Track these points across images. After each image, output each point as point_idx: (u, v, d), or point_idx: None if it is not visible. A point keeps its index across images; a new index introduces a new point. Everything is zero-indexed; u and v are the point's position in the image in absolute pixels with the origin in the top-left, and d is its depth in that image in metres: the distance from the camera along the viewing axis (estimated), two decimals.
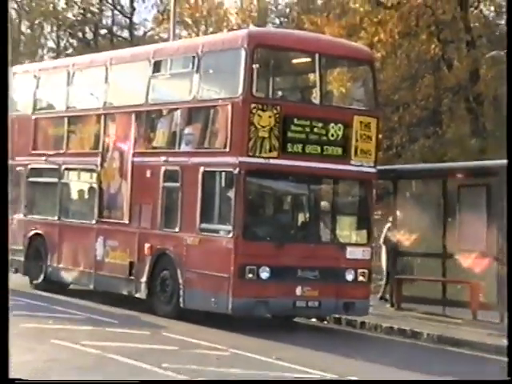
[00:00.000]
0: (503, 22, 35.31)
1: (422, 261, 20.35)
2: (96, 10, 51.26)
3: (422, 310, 18.99)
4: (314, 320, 18.22)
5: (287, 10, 44.77)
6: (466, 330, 16.71)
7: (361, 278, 17.09)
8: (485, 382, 8.32)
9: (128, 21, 50.82)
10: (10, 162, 23.79)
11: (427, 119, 33.29)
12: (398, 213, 20.07)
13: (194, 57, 17.76)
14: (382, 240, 20.29)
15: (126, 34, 50.74)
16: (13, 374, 6.37)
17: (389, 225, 20.19)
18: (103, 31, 51.88)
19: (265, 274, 16.14)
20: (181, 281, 17.08)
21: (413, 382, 8.07)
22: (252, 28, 23.32)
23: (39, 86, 22.42)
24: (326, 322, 18.26)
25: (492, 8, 34.98)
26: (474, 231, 18.14)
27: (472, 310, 17.86)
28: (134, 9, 50.39)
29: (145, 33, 50.57)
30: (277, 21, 44.52)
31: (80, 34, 52.10)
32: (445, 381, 8.20)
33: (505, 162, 17.66)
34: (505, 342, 15.71)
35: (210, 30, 46.14)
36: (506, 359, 14.70)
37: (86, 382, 7.01)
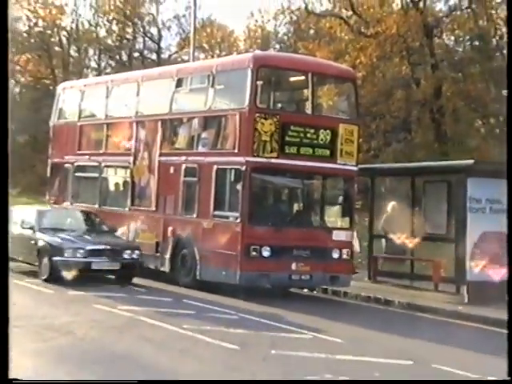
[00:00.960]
0: (461, 49, 35.26)
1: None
2: (130, 37, 51.30)
3: (393, 282, 18.91)
4: (305, 290, 18.17)
5: (285, 38, 44.64)
6: (429, 299, 16.64)
7: (344, 256, 17.05)
8: (485, 382, 8.20)
9: (156, 46, 50.85)
10: (60, 160, 23.40)
11: (399, 127, 33.24)
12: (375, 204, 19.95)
13: (209, 75, 17.70)
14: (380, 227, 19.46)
15: (154, 56, 50.63)
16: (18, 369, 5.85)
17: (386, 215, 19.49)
18: (136, 54, 51.80)
19: (266, 252, 16.10)
20: (197, 257, 17.05)
21: (412, 382, 7.73)
22: (257, 52, 23.15)
23: (83, 98, 22.35)
24: (315, 292, 18.20)
25: (452, 38, 34.93)
26: (436, 218, 18.07)
27: (434, 283, 17.79)
28: (161, 36, 50.51)
29: (169, 55, 50.46)
30: (277, 46, 44.34)
31: (117, 57, 52.12)
32: (445, 381, 7.84)
33: (463, 162, 17.70)
34: (460, 308, 15.72)
35: (223, 53, 46.11)
36: (459, 322, 14.79)
37: (86, 382, 6.73)
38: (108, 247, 17.06)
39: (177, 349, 10.70)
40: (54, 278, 16.40)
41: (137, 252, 17.29)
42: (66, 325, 11.99)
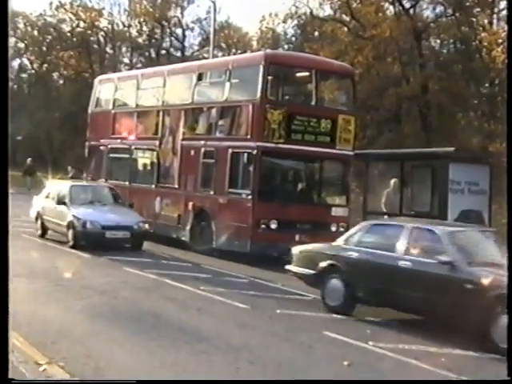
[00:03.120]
0: (445, 51, 35.01)
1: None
2: (158, 37, 51.26)
3: None
4: None
5: (293, 39, 44.41)
6: None
7: (341, 229, 16.86)
8: (485, 382, 7.55)
9: (180, 45, 50.80)
10: (96, 142, 23.15)
11: (390, 118, 33.06)
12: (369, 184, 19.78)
13: (226, 70, 17.59)
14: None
15: (179, 53, 50.50)
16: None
17: (388, 189, 18.68)
18: (163, 52, 51.71)
19: (273, 225, 16.04)
20: (214, 229, 17.01)
21: (413, 382, 7.48)
22: (268, 50, 22.99)
23: (117, 89, 22.28)
24: None
25: (438, 41, 34.75)
26: (421, 198, 17.95)
27: None
28: (185, 36, 50.57)
29: (192, 53, 50.29)
30: (286, 46, 44.12)
31: (146, 54, 52.10)
32: (445, 381, 7.67)
33: (445, 149, 17.56)
34: None
35: (239, 51, 45.95)
36: None
37: (85, 382, 6.62)
38: None
39: (195, 307, 10.69)
40: None
41: None
42: (103, 284, 11.96)
